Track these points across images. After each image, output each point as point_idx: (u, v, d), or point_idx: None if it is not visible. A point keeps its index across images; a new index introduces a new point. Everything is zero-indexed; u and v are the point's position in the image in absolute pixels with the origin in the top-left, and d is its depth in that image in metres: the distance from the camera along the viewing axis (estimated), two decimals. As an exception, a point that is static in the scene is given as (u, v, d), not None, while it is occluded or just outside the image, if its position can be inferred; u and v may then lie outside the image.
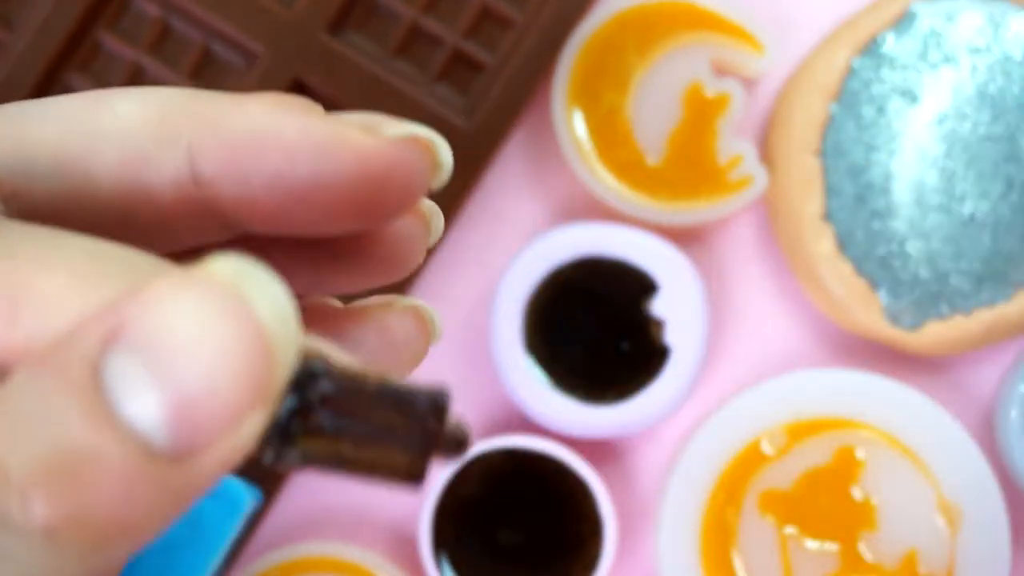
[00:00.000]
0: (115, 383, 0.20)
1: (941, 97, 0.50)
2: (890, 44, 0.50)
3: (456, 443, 0.23)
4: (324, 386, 0.22)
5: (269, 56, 0.49)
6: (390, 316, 0.27)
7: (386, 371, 0.23)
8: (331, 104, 0.50)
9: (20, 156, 0.24)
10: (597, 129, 0.50)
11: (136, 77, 0.50)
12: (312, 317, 0.27)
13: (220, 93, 0.24)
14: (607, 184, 0.50)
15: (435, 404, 0.22)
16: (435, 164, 0.25)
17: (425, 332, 0.27)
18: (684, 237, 0.52)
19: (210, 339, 0.20)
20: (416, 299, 0.28)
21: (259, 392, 0.20)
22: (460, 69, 0.51)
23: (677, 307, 0.49)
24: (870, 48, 0.50)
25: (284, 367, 0.20)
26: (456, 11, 0.51)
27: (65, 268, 0.21)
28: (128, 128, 0.24)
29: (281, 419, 0.21)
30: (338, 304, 0.28)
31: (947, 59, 0.50)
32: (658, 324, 0.49)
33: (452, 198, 0.50)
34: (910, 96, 0.50)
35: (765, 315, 0.52)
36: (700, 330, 0.49)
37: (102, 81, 0.50)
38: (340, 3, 0.50)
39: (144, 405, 0.20)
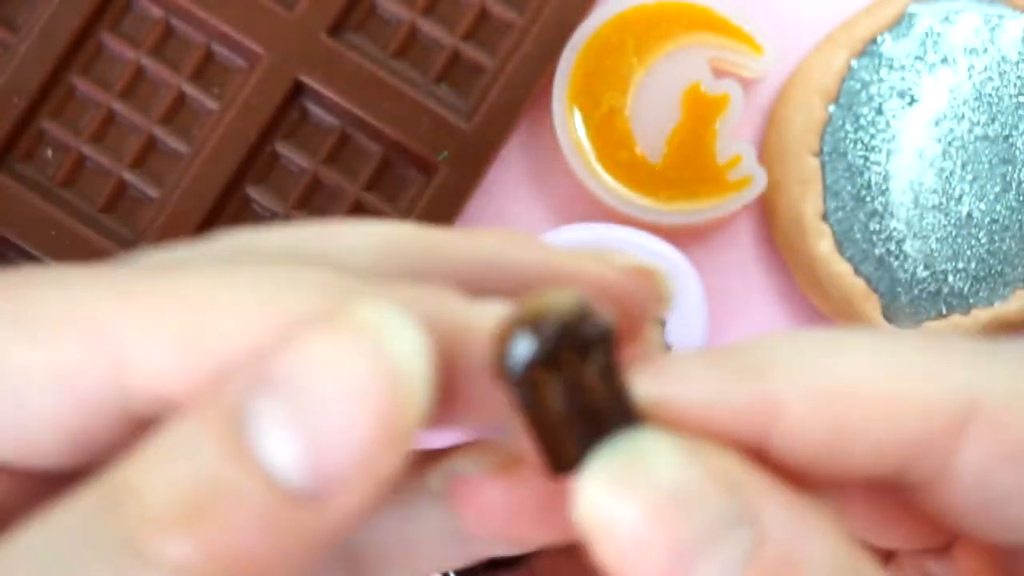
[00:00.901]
0: (255, 425, 0.20)
1: (938, 98, 0.50)
2: (888, 45, 0.50)
3: None
4: (592, 328, 0.22)
5: (270, 57, 0.50)
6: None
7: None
8: (333, 105, 0.50)
9: None
10: (597, 129, 0.50)
11: (137, 77, 0.50)
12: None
13: (446, 231, 0.25)
14: (607, 184, 0.50)
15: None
16: (658, 296, 0.25)
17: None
18: (684, 237, 0.52)
19: (344, 384, 0.20)
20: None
21: (390, 435, 0.21)
22: (460, 70, 0.51)
23: (677, 307, 0.49)
24: (868, 49, 0.50)
25: (414, 411, 0.21)
26: (456, 13, 0.51)
27: (241, 303, 0.22)
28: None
29: (546, 338, 0.22)
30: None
31: (944, 60, 0.50)
32: (658, 324, 0.49)
33: (452, 198, 0.50)
34: (908, 97, 0.50)
35: (764, 315, 0.53)
36: (700, 330, 0.49)
37: (105, 82, 0.50)
38: (340, 5, 0.50)
39: (281, 446, 0.20)
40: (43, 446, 0.23)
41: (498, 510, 0.24)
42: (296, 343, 0.21)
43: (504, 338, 0.22)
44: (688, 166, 0.50)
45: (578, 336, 0.22)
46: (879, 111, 0.50)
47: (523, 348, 0.22)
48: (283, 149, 0.50)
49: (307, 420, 0.20)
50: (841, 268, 0.50)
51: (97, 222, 0.50)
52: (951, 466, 0.24)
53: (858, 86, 0.50)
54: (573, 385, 0.22)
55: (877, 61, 0.50)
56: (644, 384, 0.23)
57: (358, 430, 0.20)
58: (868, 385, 0.24)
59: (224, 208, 0.50)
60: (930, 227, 0.50)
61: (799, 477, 0.24)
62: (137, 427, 0.22)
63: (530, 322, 0.22)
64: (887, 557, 0.28)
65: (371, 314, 0.21)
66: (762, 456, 0.24)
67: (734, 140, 0.50)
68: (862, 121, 0.50)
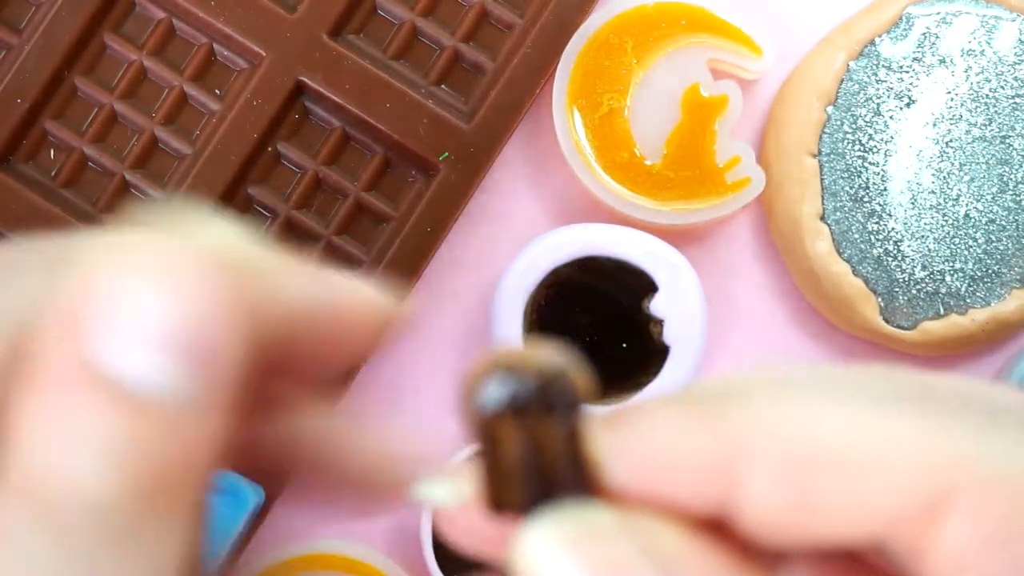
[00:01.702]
0: (99, 354, 0.21)
1: (936, 99, 0.50)
2: (886, 47, 0.51)
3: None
4: (567, 392, 0.23)
5: (271, 58, 0.50)
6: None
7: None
8: (333, 106, 0.50)
9: None
10: (597, 130, 0.50)
11: (139, 78, 0.51)
12: None
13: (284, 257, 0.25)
14: (607, 184, 0.50)
15: None
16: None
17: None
18: (683, 237, 0.52)
19: (153, 281, 0.21)
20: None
21: (217, 307, 0.21)
22: (460, 71, 0.51)
23: (677, 307, 0.49)
24: (866, 51, 0.51)
25: (230, 278, 0.21)
26: (456, 14, 0.51)
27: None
28: None
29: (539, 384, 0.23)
30: None
31: (942, 62, 0.51)
32: (658, 323, 0.49)
33: (452, 198, 0.50)
34: (905, 98, 0.51)
35: (763, 315, 0.53)
36: (699, 329, 0.49)
37: (107, 83, 0.51)
38: (341, 7, 0.50)
39: (126, 363, 0.21)
40: None
41: (476, 534, 0.24)
42: (78, 275, 0.21)
43: (481, 375, 0.23)
44: (687, 167, 0.50)
45: (552, 396, 0.22)
46: (877, 112, 0.50)
47: (496, 391, 0.22)
48: (284, 149, 0.51)
49: (143, 335, 0.21)
50: (839, 268, 0.50)
51: (99, 222, 0.50)
52: (929, 545, 0.22)
53: (856, 87, 0.51)
54: (535, 442, 0.23)
55: (875, 62, 0.51)
56: (607, 444, 0.23)
57: (188, 318, 0.21)
58: (838, 451, 0.22)
59: (226, 208, 0.50)
60: (928, 227, 0.50)
61: (764, 541, 0.23)
62: None
63: (511, 368, 0.23)
64: None
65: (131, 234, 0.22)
66: (724, 519, 0.23)
67: (733, 141, 0.51)
68: (860, 122, 0.50)
